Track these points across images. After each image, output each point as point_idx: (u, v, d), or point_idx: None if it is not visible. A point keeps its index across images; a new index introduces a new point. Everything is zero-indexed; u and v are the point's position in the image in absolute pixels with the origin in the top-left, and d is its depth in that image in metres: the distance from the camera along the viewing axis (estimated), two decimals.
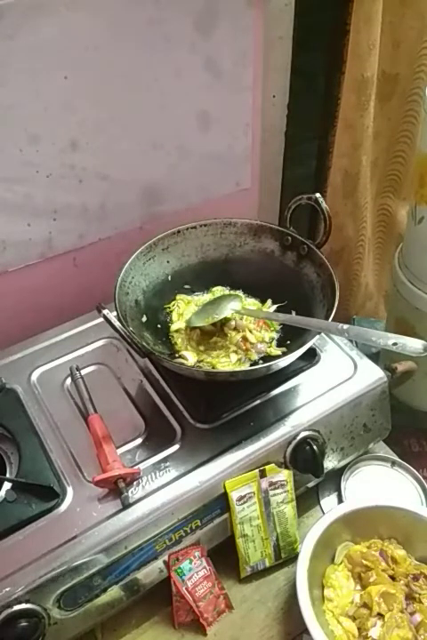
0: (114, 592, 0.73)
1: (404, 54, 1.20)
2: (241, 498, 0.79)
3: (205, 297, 0.98)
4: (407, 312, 1.13)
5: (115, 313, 0.81)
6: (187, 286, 0.98)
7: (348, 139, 1.20)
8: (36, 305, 1.03)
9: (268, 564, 0.83)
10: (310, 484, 0.87)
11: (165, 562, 0.76)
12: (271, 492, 0.81)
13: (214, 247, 0.99)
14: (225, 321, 0.91)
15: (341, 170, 1.25)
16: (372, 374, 0.89)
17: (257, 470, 0.80)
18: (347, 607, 0.77)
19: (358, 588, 0.79)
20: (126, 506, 0.74)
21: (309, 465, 0.82)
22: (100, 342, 0.95)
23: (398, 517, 0.82)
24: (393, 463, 0.96)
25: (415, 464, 0.96)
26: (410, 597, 0.77)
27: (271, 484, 0.81)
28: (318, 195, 0.89)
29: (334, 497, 0.93)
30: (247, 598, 0.81)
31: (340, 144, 1.21)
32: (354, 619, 0.75)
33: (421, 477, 0.94)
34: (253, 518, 0.80)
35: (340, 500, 0.91)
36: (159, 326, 0.93)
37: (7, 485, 0.75)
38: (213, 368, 0.86)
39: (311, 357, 0.91)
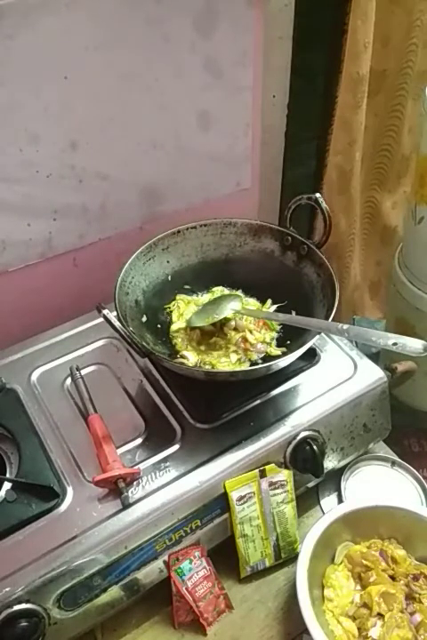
0: (114, 592, 0.73)
1: (392, 51, 1.22)
2: (241, 498, 0.79)
3: (205, 297, 0.98)
4: (407, 312, 1.13)
5: (115, 313, 0.81)
6: (187, 286, 0.98)
7: (344, 136, 1.21)
8: (36, 305, 1.03)
9: (268, 564, 0.83)
10: (310, 484, 0.87)
11: (165, 562, 0.76)
12: (271, 492, 0.81)
13: (214, 247, 0.99)
14: (225, 321, 0.91)
15: (336, 167, 1.26)
16: (372, 374, 0.89)
17: (257, 470, 0.80)
18: (347, 607, 0.77)
19: (358, 588, 0.79)
20: (126, 506, 0.74)
21: (309, 465, 0.82)
22: (100, 342, 0.95)
23: (398, 517, 0.82)
24: (393, 463, 0.96)
25: (415, 464, 0.96)
26: (410, 597, 0.77)
27: (271, 484, 0.81)
28: (318, 195, 0.89)
29: (334, 497, 0.93)
30: (247, 598, 0.81)
31: (336, 142, 1.22)
32: (354, 619, 0.75)
33: (421, 477, 0.94)
34: (253, 518, 0.80)
35: (340, 500, 0.91)
36: (159, 326, 0.93)
37: (7, 485, 0.75)
38: (213, 368, 0.86)
39: (311, 357, 0.91)
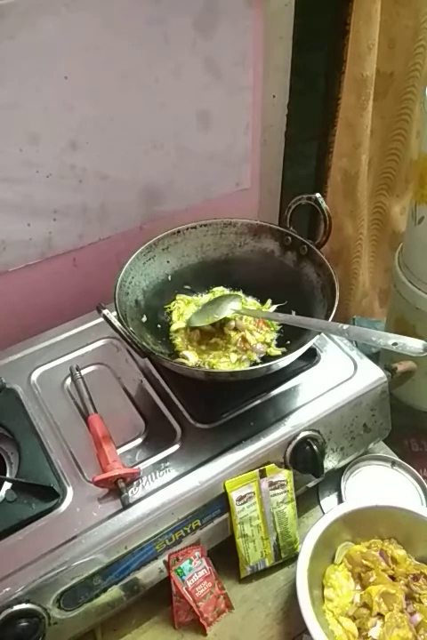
0: (114, 592, 0.73)
1: (399, 53, 1.21)
2: (241, 498, 0.79)
3: (205, 297, 0.98)
4: (407, 312, 1.13)
5: (115, 313, 0.81)
6: (187, 286, 0.98)
7: (348, 138, 1.20)
8: (36, 305, 1.03)
9: (268, 564, 0.83)
10: (310, 484, 0.87)
11: (165, 562, 0.76)
12: (271, 492, 0.81)
13: (214, 247, 0.99)
14: (225, 321, 0.91)
15: (341, 170, 1.25)
16: (372, 374, 0.89)
17: (257, 470, 0.80)
18: (347, 607, 0.77)
19: (358, 587, 0.79)
20: (126, 506, 0.74)
21: (309, 465, 0.82)
22: (100, 342, 0.95)
23: (398, 517, 0.82)
24: (393, 463, 0.96)
25: (415, 464, 0.96)
26: (410, 597, 0.77)
27: (271, 484, 0.81)
28: (318, 195, 0.89)
29: (334, 497, 0.93)
30: (247, 598, 0.81)
31: (340, 144, 1.21)
32: (354, 619, 0.75)
33: (421, 477, 0.94)
34: (253, 518, 0.80)
35: (340, 500, 0.91)
36: (159, 326, 0.93)
37: (7, 485, 0.75)
38: (213, 368, 0.86)
39: (311, 357, 0.91)
